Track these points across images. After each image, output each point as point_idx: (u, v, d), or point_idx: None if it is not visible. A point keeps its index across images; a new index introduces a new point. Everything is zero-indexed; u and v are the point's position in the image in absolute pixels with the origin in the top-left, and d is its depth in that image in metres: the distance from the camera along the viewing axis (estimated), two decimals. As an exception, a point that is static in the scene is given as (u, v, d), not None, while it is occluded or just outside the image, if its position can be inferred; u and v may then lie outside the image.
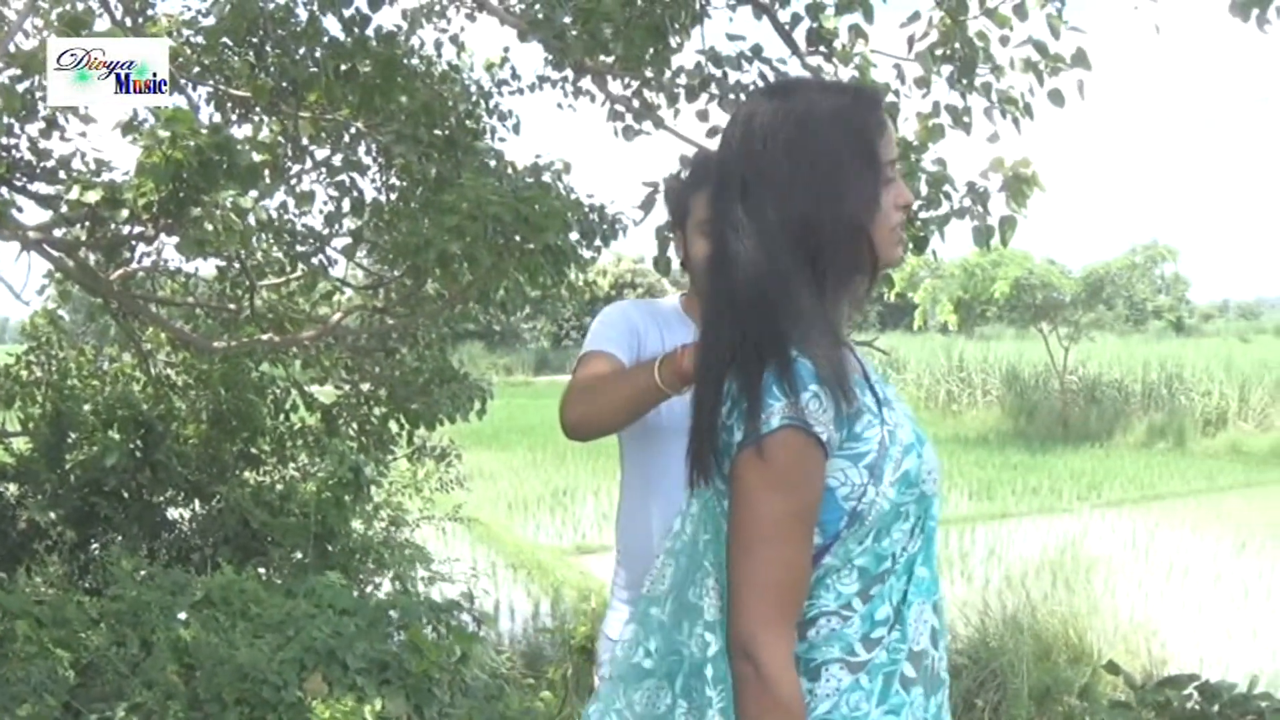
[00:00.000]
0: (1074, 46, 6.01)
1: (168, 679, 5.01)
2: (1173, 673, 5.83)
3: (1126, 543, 15.03)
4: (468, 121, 8.17)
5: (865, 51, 6.34)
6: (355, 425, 9.05)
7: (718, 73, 6.42)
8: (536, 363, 54.63)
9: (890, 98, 6.28)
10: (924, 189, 6.03)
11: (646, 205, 5.94)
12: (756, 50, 6.36)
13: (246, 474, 8.91)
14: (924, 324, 31.75)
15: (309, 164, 8.11)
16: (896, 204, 2.00)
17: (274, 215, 7.61)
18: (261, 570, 7.67)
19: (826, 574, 1.94)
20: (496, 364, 48.44)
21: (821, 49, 6.36)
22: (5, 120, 6.41)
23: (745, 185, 1.96)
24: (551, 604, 12.03)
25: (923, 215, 6.06)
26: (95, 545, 8.08)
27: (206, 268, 8.49)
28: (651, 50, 6.54)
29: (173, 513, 8.60)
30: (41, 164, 6.66)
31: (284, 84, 7.23)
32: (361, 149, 8.08)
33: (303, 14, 7.20)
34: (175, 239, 5.61)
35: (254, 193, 5.75)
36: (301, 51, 7.13)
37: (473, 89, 8.85)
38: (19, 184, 6.64)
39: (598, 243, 7.24)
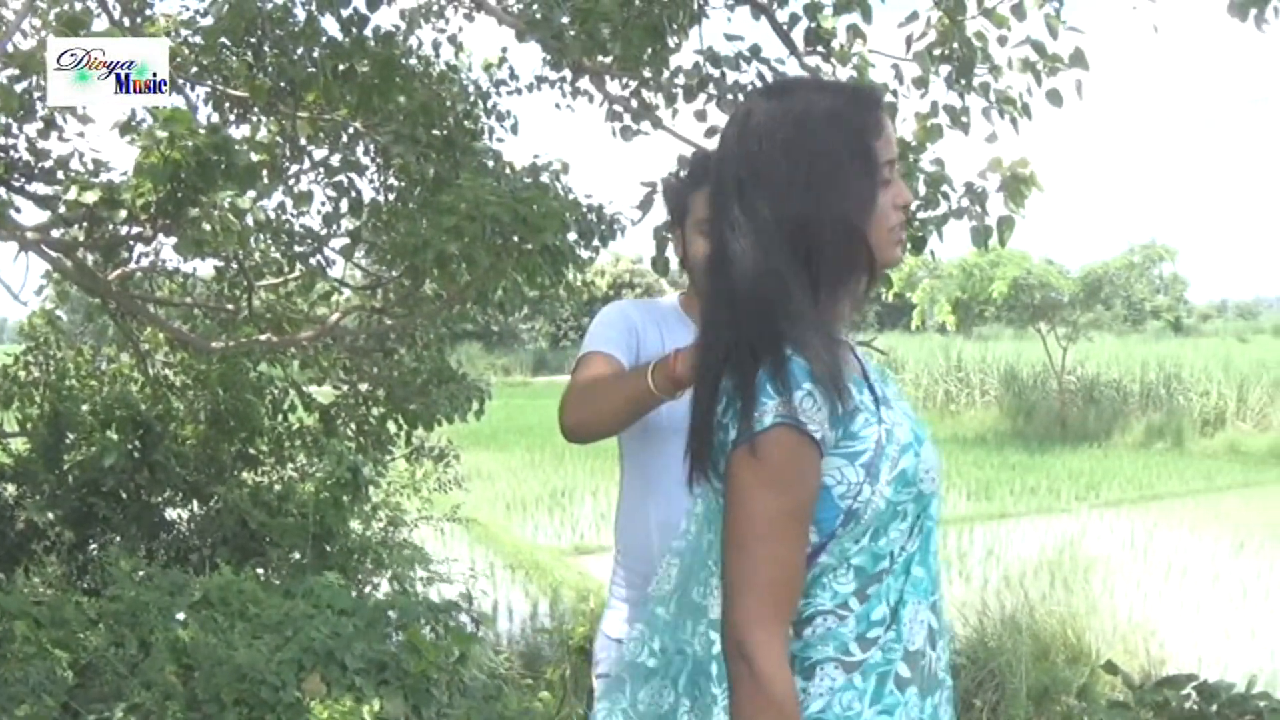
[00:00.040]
0: (1072, 46, 6.02)
1: (166, 679, 5.00)
2: (1171, 673, 5.83)
3: (1125, 543, 15.03)
4: (466, 122, 8.18)
5: (863, 51, 6.34)
6: (353, 425, 9.05)
7: (716, 73, 6.42)
8: (534, 363, 54.65)
9: (888, 98, 6.28)
10: (922, 189, 6.03)
11: (644, 205, 5.94)
12: (754, 50, 6.37)
13: (244, 474, 8.90)
14: (922, 324, 31.77)
15: (307, 164, 8.12)
16: (895, 204, 2.00)
17: (272, 215, 7.62)
18: (260, 571, 7.67)
19: (823, 573, 1.94)
20: (494, 364, 48.45)
21: (819, 49, 6.37)
22: (3, 120, 6.42)
23: (741, 185, 1.97)
24: (550, 604, 12.03)
25: (921, 215, 6.06)
26: (93, 546, 8.08)
27: (204, 268, 8.50)
28: (649, 50, 6.54)
29: (171, 513, 8.60)
30: (40, 164, 6.67)
31: (282, 84, 7.23)
32: (359, 149, 8.08)
33: (301, 14, 7.20)
34: (173, 239, 5.62)
35: (252, 193, 5.76)
36: (299, 51, 7.13)
37: (471, 89, 8.85)
38: (17, 184, 6.65)
39: (596, 243, 7.25)
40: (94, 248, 6.41)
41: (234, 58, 7.35)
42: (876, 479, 1.91)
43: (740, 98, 5.98)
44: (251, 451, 9.01)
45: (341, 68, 6.93)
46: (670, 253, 5.46)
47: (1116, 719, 4.61)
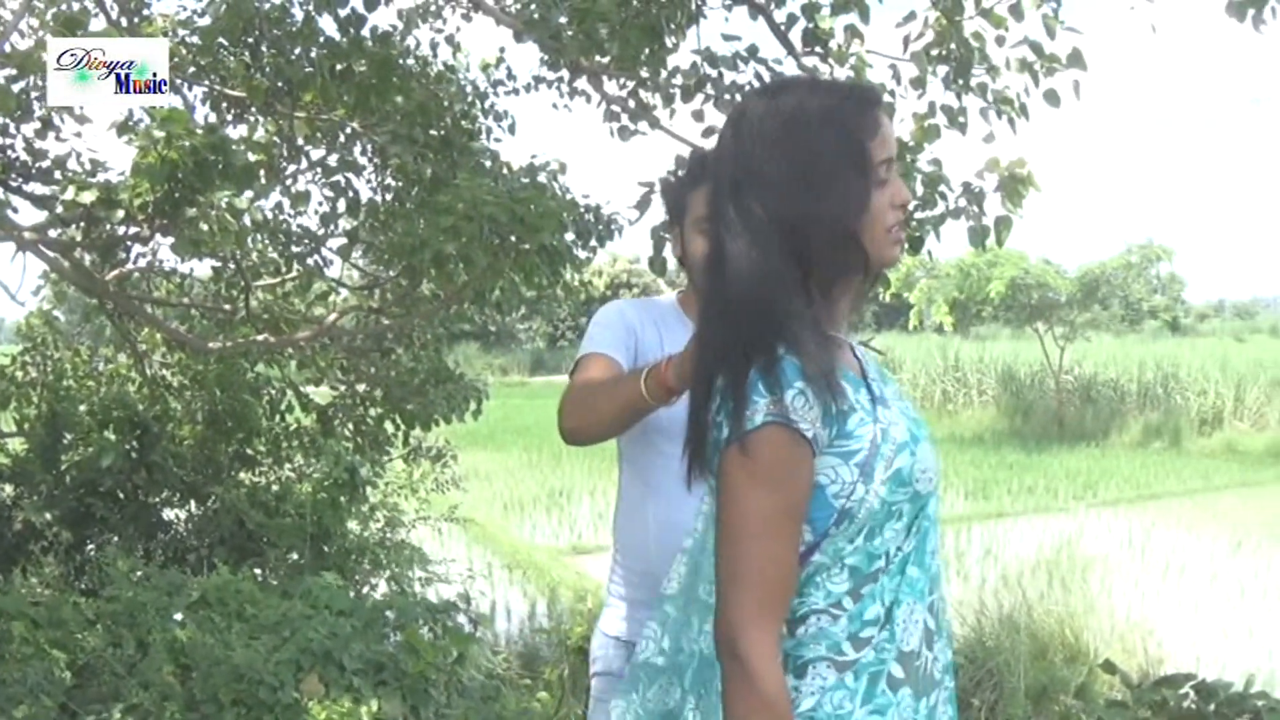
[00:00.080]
0: (1070, 47, 6.03)
1: (164, 680, 5.01)
2: (1169, 672, 5.83)
3: (1122, 542, 15.04)
4: (463, 122, 8.16)
5: (861, 52, 6.34)
6: (351, 426, 9.04)
7: (713, 73, 6.42)
8: (532, 363, 54.63)
9: (886, 98, 6.28)
10: (920, 189, 6.03)
11: (642, 205, 5.94)
12: (752, 50, 6.36)
13: (242, 475, 8.91)
14: (919, 324, 31.78)
15: (304, 164, 8.10)
16: (893, 203, 1.99)
17: (269, 215, 7.60)
18: (257, 571, 7.67)
19: (817, 572, 1.95)
20: (492, 364, 48.42)
21: (817, 49, 6.37)
22: (1, 120, 6.42)
23: (736, 185, 1.98)
24: (548, 604, 12.02)
25: (918, 215, 6.06)
26: (91, 546, 8.09)
27: (202, 268, 8.50)
28: (647, 50, 6.53)
29: (168, 513, 8.61)
30: (37, 164, 6.67)
31: (279, 84, 7.22)
32: (357, 149, 8.07)
33: (298, 14, 7.19)
34: (170, 239, 5.62)
35: (249, 193, 5.75)
36: (297, 51, 7.12)
37: (468, 89, 8.84)
38: (14, 184, 6.64)
39: (593, 243, 7.24)
40: (91, 248, 6.41)
41: (231, 58, 7.34)
42: (871, 478, 1.91)
43: (738, 98, 5.98)
44: (249, 452, 9.01)
45: (339, 68, 6.92)
46: (668, 253, 5.46)
47: (1115, 718, 4.60)
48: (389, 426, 8.79)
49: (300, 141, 7.88)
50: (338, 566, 7.79)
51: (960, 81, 6.30)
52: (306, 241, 8.29)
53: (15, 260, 5.85)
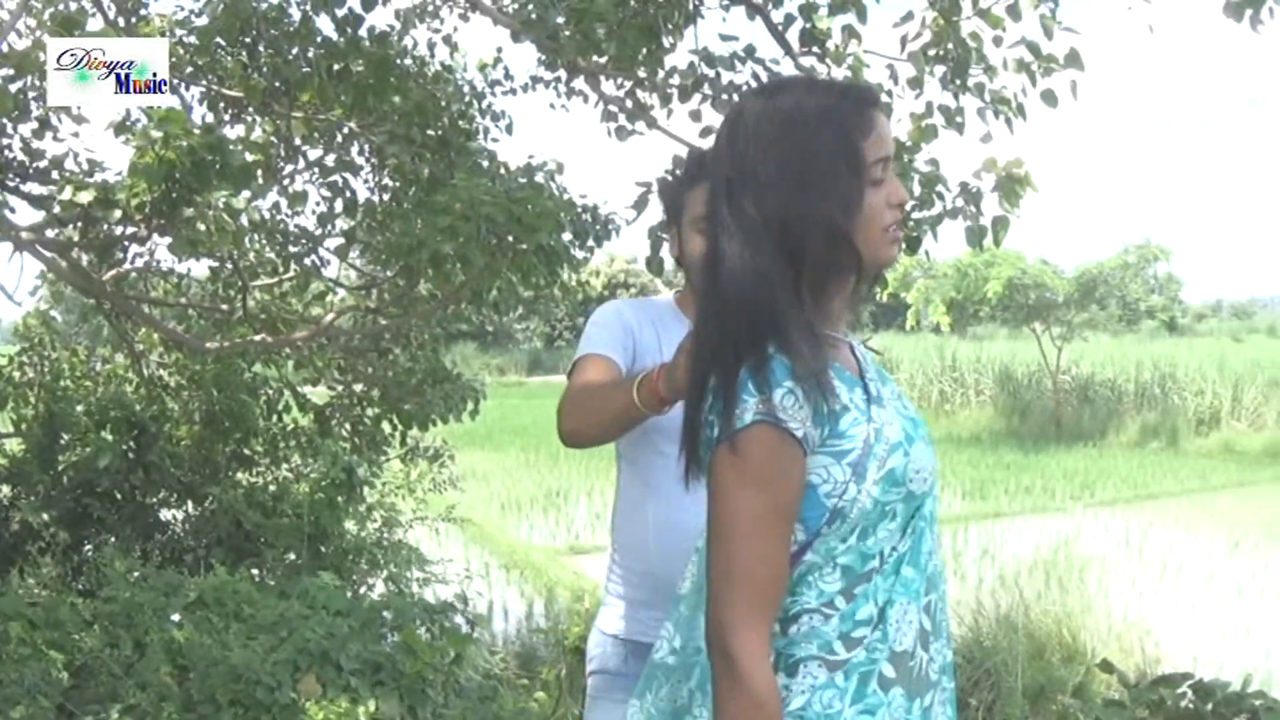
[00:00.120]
0: (1067, 47, 6.04)
1: (161, 680, 5.00)
2: (1167, 671, 5.83)
3: (1120, 542, 15.04)
4: (460, 122, 8.15)
5: (858, 52, 6.35)
6: (348, 426, 9.03)
7: (711, 73, 6.43)
8: (529, 363, 54.60)
9: (883, 98, 6.28)
10: (917, 189, 6.03)
11: (639, 205, 5.94)
12: (749, 51, 6.37)
13: (239, 475, 8.90)
14: (917, 324, 31.80)
15: (302, 164, 8.10)
16: (890, 203, 1.99)
17: (266, 216, 7.60)
18: (255, 571, 7.66)
19: (809, 571, 1.95)
20: (489, 364, 48.40)
21: (814, 49, 6.38)
22: (-2, 121, 6.41)
23: (730, 185, 1.99)
24: (545, 604, 12.02)
25: (915, 216, 6.07)
26: (88, 547, 8.08)
27: (199, 268, 8.49)
28: (645, 50, 6.53)
29: (166, 514, 8.60)
30: (34, 164, 6.67)
31: (277, 84, 7.22)
32: (354, 149, 8.06)
33: (296, 14, 7.18)
34: (168, 239, 5.62)
35: (246, 193, 5.75)
36: (294, 51, 7.11)
37: (466, 89, 8.84)
38: (12, 184, 6.64)
39: (591, 243, 7.23)
40: (89, 248, 6.41)
41: (229, 58, 7.33)
42: (863, 478, 1.92)
43: (735, 98, 5.98)
44: (246, 452, 9.00)
45: (336, 68, 6.91)
46: (665, 253, 5.46)
47: (1113, 718, 4.61)
48: (386, 426, 8.78)
49: (297, 141, 7.88)
50: (335, 567, 7.79)
51: (958, 82, 6.30)
52: (304, 241, 8.29)
53: (12, 260, 5.85)
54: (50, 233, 6.25)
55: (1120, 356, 31.83)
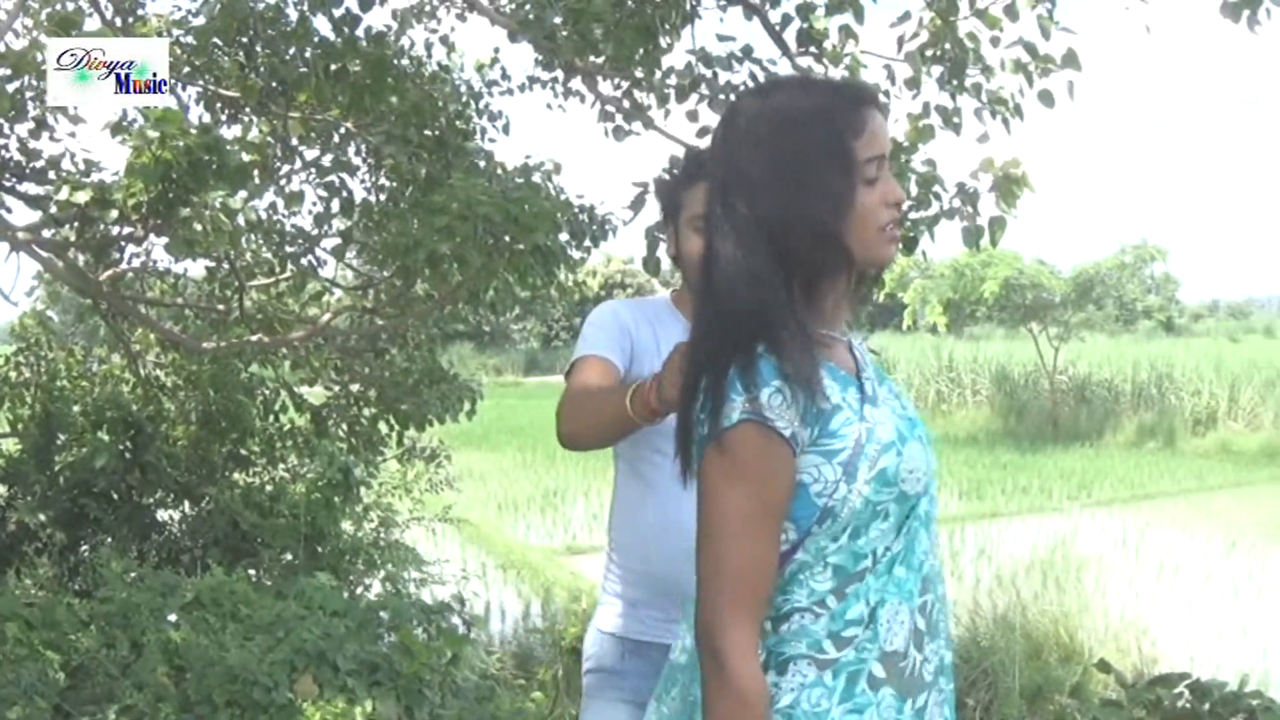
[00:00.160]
0: (1064, 47, 6.04)
1: (158, 681, 4.99)
2: (1164, 671, 5.83)
3: (1117, 542, 15.05)
4: (458, 122, 8.15)
5: (855, 52, 6.35)
6: (345, 426, 9.03)
7: (708, 73, 6.43)
8: (526, 363, 54.60)
9: (880, 98, 6.27)
10: (914, 190, 6.03)
11: (636, 205, 5.95)
12: (747, 51, 6.37)
13: (236, 475, 8.90)
14: (913, 324, 31.84)
15: (298, 164, 8.09)
16: (886, 202, 1.98)
17: (263, 216, 7.59)
18: (251, 572, 7.66)
19: (800, 570, 1.95)
20: (486, 364, 48.41)
21: (812, 49, 6.37)
22: (-5, 121, 6.41)
23: (724, 185, 1.99)
24: (542, 605, 12.03)
25: (912, 216, 6.06)
26: (85, 547, 8.07)
27: (196, 268, 8.48)
28: (642, 51, 6.53)
29: (162, 514, 8.60)
30: (31, 164, 6.66)
31: (274, 84, 7.21)
32: (351, 149, 8.06)
33: (293, 14, 7.18)
34: (164, 239, 5.61)
35: (243, 193, 5.75)
36: (291, 52, 7.11)
37: (463, 89, 8.83)
38: (8, 185, 6.63)
39: (587, 243, 7.23)
40: (85, 248, 6.40)
41: (226, 58, 7.32)
42: (854, 478, 1.91)
43: (732, 98, 5.98)
44: (243, 452, 9.00)
45: (333, 68, 6.91)
46: (662, 253, 5.46)
47: (1110, 718, 4.61)
48: (383, 427, 8.78)
49: (294, 141, 7.87)
50: (332, 567, 7.79)
51: (955, 82, 6.30)
52: (300, 242, 8.28)
53: (9, 260, 5.85)
54: (47, 233, 6.25)
55: (1117, 357, 31.85)
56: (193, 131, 5.22)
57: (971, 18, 6.23)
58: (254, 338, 7.74)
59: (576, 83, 7.48)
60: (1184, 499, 19.05)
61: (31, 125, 6.73)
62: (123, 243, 6.40)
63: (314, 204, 8.14)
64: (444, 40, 8.84)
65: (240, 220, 5.55)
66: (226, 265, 7.68)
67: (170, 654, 5.18)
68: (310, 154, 8.13)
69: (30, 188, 6.71)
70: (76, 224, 5.78)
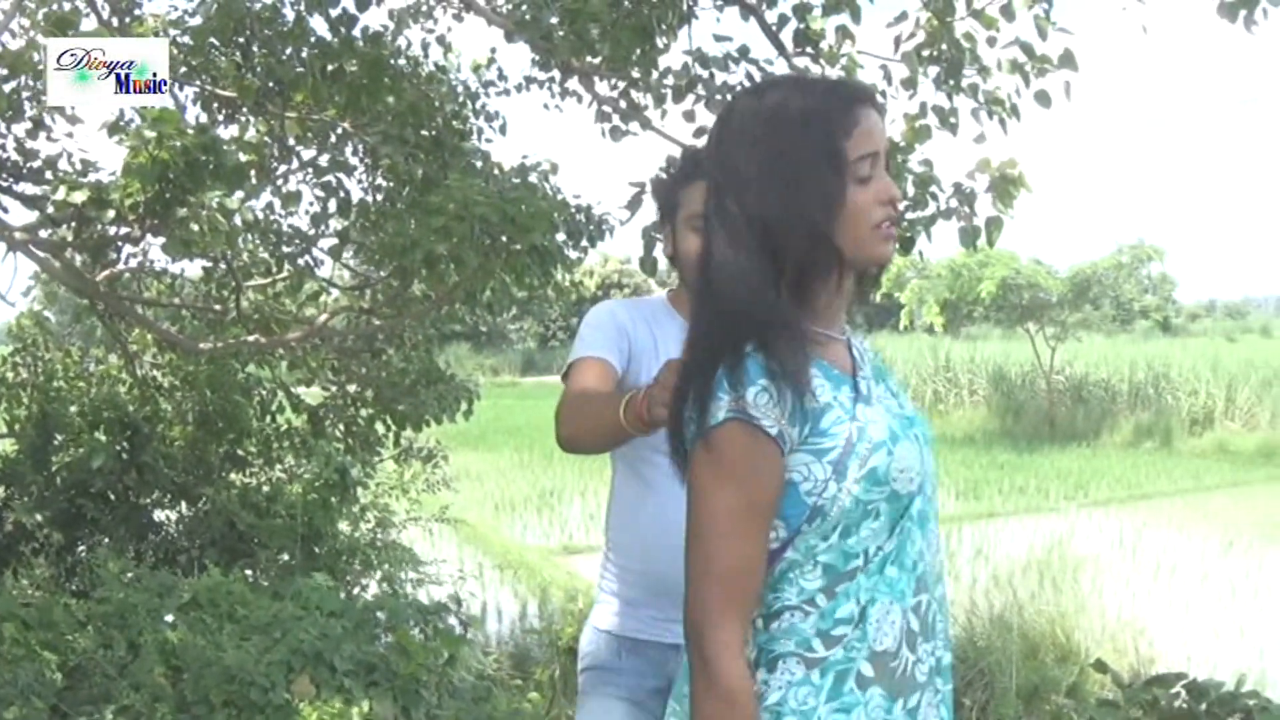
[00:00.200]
0: (1061, 47, 6.04)
1: (155, 681, 4.99)
2: (1160, 671, 5.83)
3: (1114, 542, 15.05)
4: (454, 122, 8.15)
5: (852, 52, 6.35)
6: (342, 426, 9.03)
7: (705, 73, 6.43)
8: (523, 363, 54.60)
9: (875, 96, 6.27)
10: (911, 190, 6.04)
11: (633, 205, 5.95)
12: (743, 51, 6.37)
13: (233, 475, 8.89)
14: (910, 324, 31.83)
15: (295, 164, 8.09)
16: (880, 200, 1.98)
17: (260, 216, 7.59)
18: (248, 572, 7.65)
19: (790, 568, 1.96)
20: (483, 365, 48.42)
21: (808, 50, 6.38)
22: (-8, 121, 6.40)
23: (718, 185, 2.01)
24: (539, 605, 12.02)
25: (909, 216, 6.07)
26: (82, 547, 8.07)
27: (192, 268, 8.47)
28: (638, 51, 6.53)
29: (159, 514, 8.60)
30: (28, 164, 6.65)
31: (270, 84, 7.21)
32: (348, 149, 8.06)
33: (290, 14, 7.19)
34: (161, 239, 5.61)
35: (240, 193, 5.76)
36: (288, 52, 7.11)
37: (459, 90, 8.83)
38: (5, 185, 6.63)
39: (584, 243, 7.24)
40: (82, 248, 6.41)
41: (222, 58, 7.32)
42: (844, 476, 1.91)
43: (729, 98, 5.98)
44: (240, 453, 9.00)
45: (330, 68, 6.91)
46: (658, 252, 5.46)
47: (1107, 717, 4.61)
48: (380, 427, 8.78)
49: (291, 142, 7.87)
50: (328, 567, 7.79)
51: (951, 82, 6.31)
52: (297, 242, 8.28)
53: (6, 260, 5.86)
54: (44, 233, 6.25)
55: (1114, 356, 31.86)
56: (189, 132, 5.22)
57: (968, 18, 6.24)
58: (251, 338, 7.73)
59: (573, 83, 7.48)
60: (1181, 499, 19.05)
61: (29, 125, 6.72)
62: (119, 243, 6.40)
63: (311, 204, 8.15)
64: (441, 40, 8.84)
65: (237, 220, 5.55)
66: (223, 265, 7.68)
67: (167, 654, 5.18)
68: (307, 154, 8.14)
69: (27, 188, 6.71)
70: (73, 224, 5.78)
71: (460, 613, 6.45)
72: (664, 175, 3.12)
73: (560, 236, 6.67)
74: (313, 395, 9.54)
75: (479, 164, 7.52)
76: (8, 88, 6.18)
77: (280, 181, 8.06)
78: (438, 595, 8.40)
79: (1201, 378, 28.65)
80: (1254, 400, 27.44)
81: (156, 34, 7.36)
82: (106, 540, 7.90)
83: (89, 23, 6.81)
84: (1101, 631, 10.03)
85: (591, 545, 14.14)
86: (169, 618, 5.60)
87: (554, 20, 6.23)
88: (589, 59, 6.68)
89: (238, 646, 5.10)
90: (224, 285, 8.16)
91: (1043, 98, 6.05)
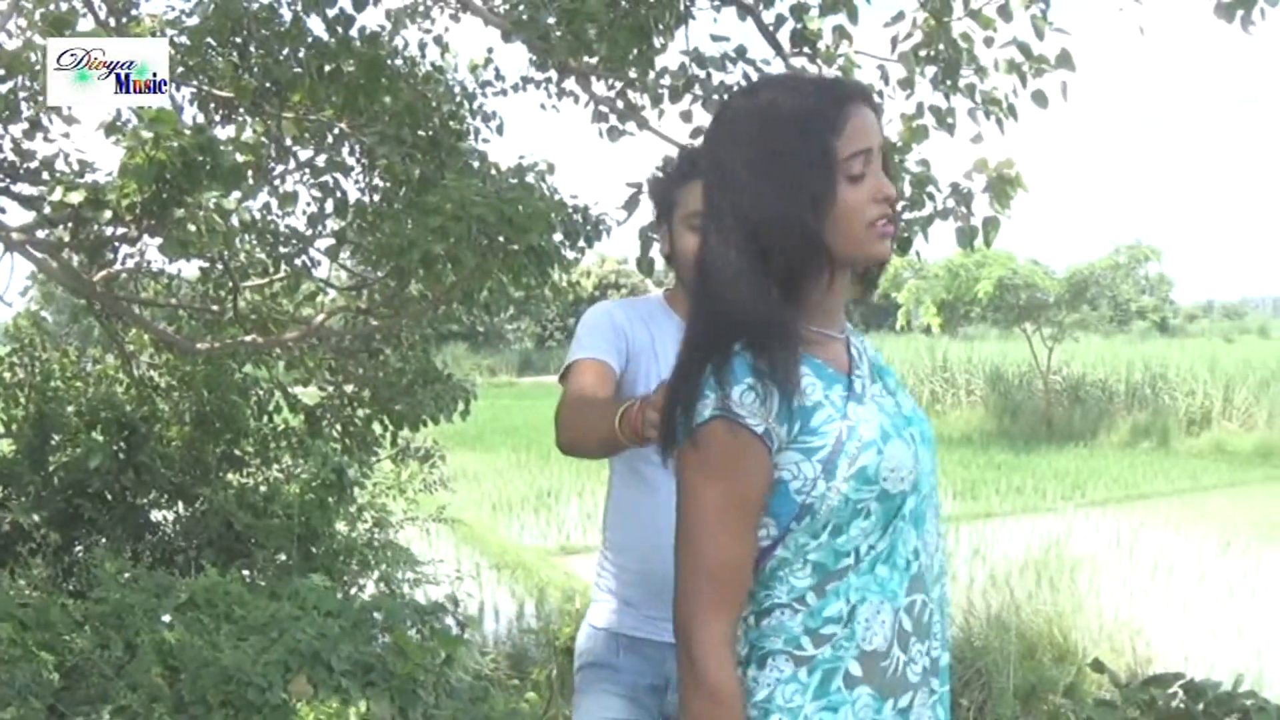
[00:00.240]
0: (1058, 48, 6.03)
1: (152, 681, 4.99)
2: (1158, 671, 5.83)
3: (1111, 542, 15.04)
4: (451, 122, 8.15)
5: (849, 53, 6.36)
6: (339, 426, 9.02)
7: (702, 74, 6.43)
8: (520, 363, 54.60)
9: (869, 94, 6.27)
10: (908, 190, 6.04)
11: (630, 205, 5.95)
12: (740, 51, 6.37)
13: (230, 476, 8.89)
14: (907, 324, 31.81)
15: (292, 165, 8.09)
16: (874, 198, 1.97)
17: (257, 216, 7.58)
18: (245, 572, 7.63)
19: (780, 566, 1.96)
20: (480, 365, 48.39)
21: (805, 50, 6.38)
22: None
23: (711, 185, 2.02)
24: (536, 605, 12.01)
25: (906, 216, 6.07)
26: (79, 547, 8.06)
27: (190, 269, 8.48)
28: (635, 51, 6.54)
29: (156, 515, 8.59)
30: (25, 165, 6.65)
31: (268, 84, 7.21)
32: (345, 150, 8.06)
33: (287, 14, 7.19)
34: (158, 240, 5.60)
35: (237, 193, 5.75)
36: (285, 52, 7.11)
37: (456, 90, 8.83)
38: (2, 185, 6.62)
39: (581, 243, 7.23)
40: (79, 248, 6.40)
41: (219, 58, 7.33)
42: (833, 475, 1.92)
43: (726, 99, 5.99)
44: (237, 453, 8.99)
45: (327, 68, 6.91)
46: (655, 253, 5.45)
47: (1104, 717, 4.61)
48: (377, 427, 8.78)
49: (288, 142, 7.87)
50: (325, 567, 7.79)
51: (948, 82, 6.31)
52: (294, 242, 8.28)
53: (3, 261, 5.85)
54: (41, 233, 6.24)
55: (1111, 357, 31.85)
56: (187, 132, 5.21)
57: (965, 18, 6.24)
58: (248, 338, 7.73)
59: (570, 83, 7.48)
60: (1178, 499, 19.05)
61: (26, 126, 6.72)
62: (117, 243, 6.40)
63: (308, 204, 8.16)
64: (438, 40, 8.84)
65: (234, 221, 5.53)
66: (220, 266, 7.68)
67: (164, 654, 5.18)
68: (304, 154, 8.14)
69: (24, 188, 6.70)
70: (70, 224, 5.77)
71: (457, 613, 6.46)
72: (661, 175, 3.12)
73: (557, 237, 6.67)
74: (310, 395, 9.53)
75: (476, 164, 7.52)
76: (5, 88, 6.18)
77: (277, 182, 8.06)
78: (435, 595, 8.40)
79: (1199, 378, 28.64)
80: (1251, 401, 27.43)
81: (154, 34, 7.36)
82: (104, 540, 7.89)
83: (86, 23, 6.81)
84: (1099, 631, 10.03)
85: (589, 545, 14.14)
86: (166, 618, 5.60)
87: (551, 20, 6.24)
88: (586, 59, 6.68)
89: (235, 646, 5.10)
90: (221, 285, 8.15)
91: (1040, 98, 6.05)
